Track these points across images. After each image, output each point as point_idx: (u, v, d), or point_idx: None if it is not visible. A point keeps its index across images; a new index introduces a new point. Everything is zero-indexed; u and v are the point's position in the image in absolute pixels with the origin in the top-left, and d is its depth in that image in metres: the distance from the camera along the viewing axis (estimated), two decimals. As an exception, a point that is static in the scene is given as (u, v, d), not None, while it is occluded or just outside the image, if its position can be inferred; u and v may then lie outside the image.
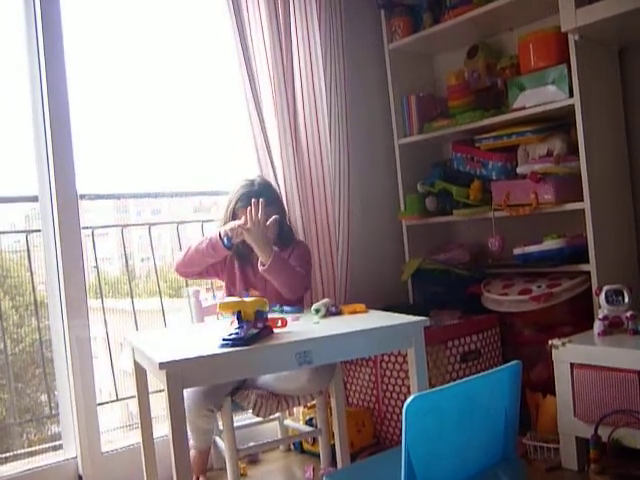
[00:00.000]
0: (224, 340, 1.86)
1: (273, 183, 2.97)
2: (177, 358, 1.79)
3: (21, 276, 2.91)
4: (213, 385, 2.41)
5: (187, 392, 2.38)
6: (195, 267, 2.67)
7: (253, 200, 2.50)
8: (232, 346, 1.84)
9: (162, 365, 1.74)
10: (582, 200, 2.75)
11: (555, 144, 2.94)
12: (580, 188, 2.76)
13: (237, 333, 1.86)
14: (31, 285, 2.87)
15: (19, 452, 2.75)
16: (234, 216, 2.64)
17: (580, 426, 2.50)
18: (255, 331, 1.91)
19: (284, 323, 2.04)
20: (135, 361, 2.29)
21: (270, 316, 2.03)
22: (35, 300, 2.87)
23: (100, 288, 3.14)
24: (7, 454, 2.71)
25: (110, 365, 3.10)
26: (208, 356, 1.82)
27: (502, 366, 1.72)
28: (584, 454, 2.53)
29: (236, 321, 1.90)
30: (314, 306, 2.32)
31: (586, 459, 2.51)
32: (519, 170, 3.01)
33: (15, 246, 2.93)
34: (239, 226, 2.50)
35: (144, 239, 3.41)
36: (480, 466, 1.71)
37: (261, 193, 2.60)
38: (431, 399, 1.55)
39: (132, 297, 3.23)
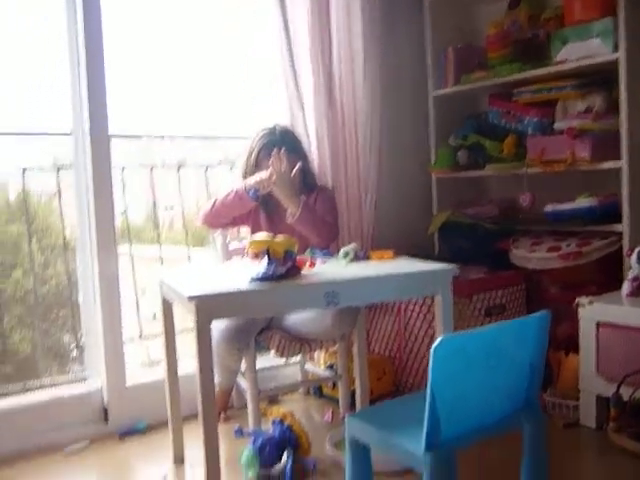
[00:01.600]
0: (253, 277, 1.87)
1: (302, 128, 2.95)
2: (206, 292, 1.81)
3: (48, 219, 2.94)
4: (243, 324, 2.45)
5: (218, 330, 2.43)
6: (222, 219, 2.68)
7: (275, 151, 2.49)
8: (261, 282, 1.85)
9: (191, 298, 1.75)
10: (619, 159, 2.69)
11: (595, 100, 2.87)
12: (618, 147, 2.70)
13: (266, 271, 1.87)
14: (61, 225, 2.90)
15: (45, 383, 2.82)
16: (257, 166, 2.63)
17: (602, 384, 2.50)
18: (283, 270, 1.91)
19: (312, 264, 2.05)
20: (163, 297, 2.32)
21: (299, 257, 2.03)
22: (64, 238, 2.89)
23: (127, 225, 3.16)
24: (34, 382, 2.78)
25: (135, 303, 3.15)
26: (237, 292, 1.84)
27: (531, 315, 1.71)
28: (603, 412, 2.53)
29: (265, 259, 1.90)
30: (342, 250, 2.31)
31: (605, 417, 2.52)
32: (556, 126, 2.95)
33: (43, 189, 2.95)
34: (265, 179, 2.49)
35: (169, 187, 3.41)
36: (503, 412, 1.72)
37: (283, 141, 2.59)
38: (459, 342, 1.55)
39: (159, 235, 3.25)
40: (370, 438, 1.73)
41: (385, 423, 1.73)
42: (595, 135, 2.78)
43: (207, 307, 1.78)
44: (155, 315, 3.13)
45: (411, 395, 2.69)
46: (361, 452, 1.79)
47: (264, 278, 1.86)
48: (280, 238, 1.95)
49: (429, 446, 1.52)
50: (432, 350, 1.47)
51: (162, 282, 2.26)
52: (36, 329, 2.83)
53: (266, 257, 1.89)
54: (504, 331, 1.66)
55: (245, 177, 2.64)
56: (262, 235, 1.98)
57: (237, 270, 2.22)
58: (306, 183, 2.70)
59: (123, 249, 3.10)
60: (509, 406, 1.73)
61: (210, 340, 1.82)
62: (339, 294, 1.91)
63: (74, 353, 2.96)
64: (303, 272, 2.02)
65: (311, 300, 1.92)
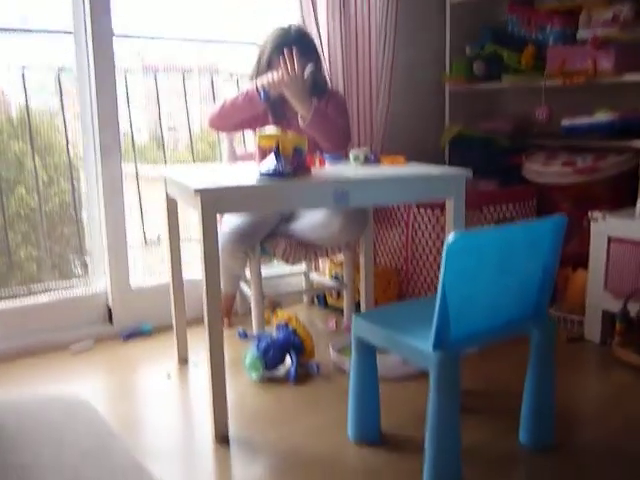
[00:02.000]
0: (262, 173, 1.81)
1: (314, 31, 2.83)
2: (212, 186, 1.75)
3: (51, 137, 2.85)
4: (249, 228, 2.42)
5: (223, 233, 2.40)
6: (230, 121, 2.59)
7: (286, 51, 2.38)
8: (270, 178, 1.79)
9: (197, 191, 1.70)
10: (644, 70, 2.58)
11: (622, 9, 2.72)
12: (643, 58, 2.59)
13: (274, 167, 1.81)
14: (63, 142, 2.81)
15: (50, 287, 2.80)
16: (269, 66, 2.53)
17: (609, 300, 2.49)
18: (292, 168, 1.85)
19: (322, 163, 1.98)
20: (167, 195, 2.26)
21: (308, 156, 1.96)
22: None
23: (132, 135, 3.06)
24: (38, 286, 2.76)
25: (139, 207, 3.09)
26: (244, 186, 1.79)
27: (546, 218, 1.66)
28: (608, 328, 2.53)
29: (273, 156, 1.84)
30: (353, 152, 2.24)
31: (609, 333, 2.52)
32: (579, 35, 2.82)
33: (45, 105, 2.85)
34: (277, 80, 2.40)
35: (172, 105, 3.29)
36: (512, 317, 1.70)
37: (297, 42, 2.47)
38: (472, 240, 1.51)
39: (164, 147, 3.16)
40: (376, 337, 1.71)
41: (392, 323, 1.71)
42: (619, 45, 2.67)
43: (213, 200, 1.72)
44: (159, 236, 3.10)
45: (418, 299, 2.68)
46: (366, 351, 1.79)
47: (272, 174, 1.80)
48: (290, 134, 1.88)
49: (438, 344, 1.51)
50: (445, 246, 1.43)
51: (166, 178, 2.20)
52: (41, 247, 2.79)
53: (275, 153, 1.82)
54: (519, 233, 1.61)
55: (256, 78, 2.54)
56: (271, 129, 1.90)
57: (244, 169, 2.15)
58: (317, 86, 2.59)
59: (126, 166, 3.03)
60: (519, 311, 1.70)
61: (216, 235, 1.77)
62: (349, 193, 1.85)
63: (79, 270, 2.94)
64: (312, 171, 1.96)
65: (319, 198, 1.87)
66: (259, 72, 2.56)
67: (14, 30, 2.68)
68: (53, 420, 0.86)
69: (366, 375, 1.81)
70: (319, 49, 2.74)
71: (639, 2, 2.71)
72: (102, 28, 2.61)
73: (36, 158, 2.74)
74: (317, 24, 2.84)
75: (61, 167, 2.85)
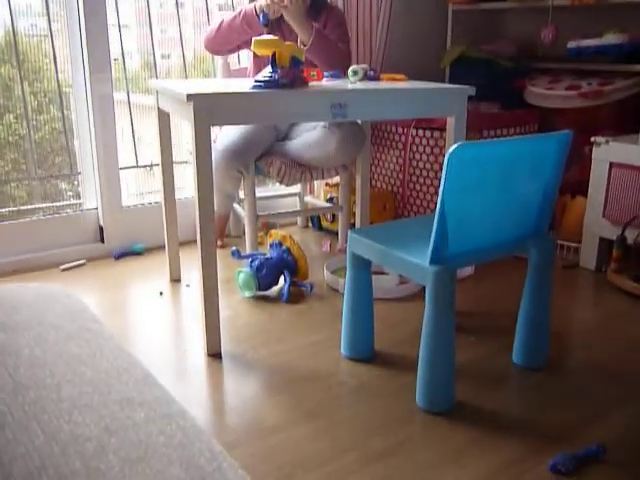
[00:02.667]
0: (257, 81, 1.74)
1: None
2: (206, 91, 1.68)
3: (39, 61, 2.73)
4: (243, 145, 2.36)
5: (217, 150, 2.34)
6: (226, 45, 2.49)
7: None
8: (265, 88, 1.72)
9: (190, 97, 1.62)
10: (657, -11, 2.48)
11: None
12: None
13: (271, 76, 1.73)
14: (52, 69, 2.69)
15: (41, 207, 2.75)
16: None
17: (606, 227, 2.46)
18: (288, 79, 1.77)
19: (320, 76, 1.91)
20: (159, 109, 2.18)
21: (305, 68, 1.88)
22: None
23: (122, 55, 2.93)
24: (29, 206, 2.71)
25: (131, 133, 3.01)
26: (239, 93, 1.71)
27: (551, 133, 1.61)
28: (604, 255, 2.51)
29: (269, 66, 1.76)
30: (351, 68, 2.15)
31: (605, 260, 2.50)
32: (591, -50, 2.69)
33: (33, 30, 2.72)
34: (276, 2, 2.28)
35: (165, 33, 3.15)
36: (511, 235, 1.67)
37: None
38: (475, 151, 1.46)
39: (156, 72, 3.04)
40: (372, 253, 1.68)
41: (388, 239, 1.68)
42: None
43: (206, 108, 1.65)
44: (152, 162, 3.02)
45: (416, 217, 2.65)
46: (361, 268, 1.76)
47: (268, 83, 1.73)
48: (287, 43, 1.79)
49: (435, 259, 1.48)
50: (447, 157, 1.38)
51: (158, 89, 2.11)
52: (31, 176, 2.72)
53: (271, 63, 1.74)
54: (522, 147, 1.56)
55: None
56: (268, 37, 1.81)
57: (239, 83, 2.07)
58: (317, 5, 2.48)
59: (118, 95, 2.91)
60: (518, 230, 1.67)
61: (209, 150, 1.71)
62: (347, 106, 1.78)
63: (71, 191, 2.88)
64: (310, 84, 1.88)
65: (317, 111, 1.79)
66: None
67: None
68: (34, 305, 0.83)
69: (361, 291, 1.79)
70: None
71: None
72: None
73: (24, 84, 2.64)
74: None
75: (51, 93, 2.75)
